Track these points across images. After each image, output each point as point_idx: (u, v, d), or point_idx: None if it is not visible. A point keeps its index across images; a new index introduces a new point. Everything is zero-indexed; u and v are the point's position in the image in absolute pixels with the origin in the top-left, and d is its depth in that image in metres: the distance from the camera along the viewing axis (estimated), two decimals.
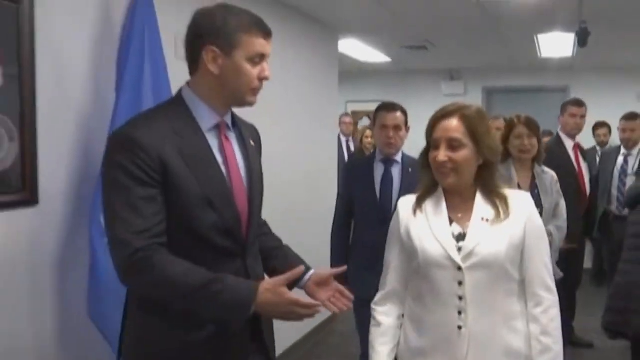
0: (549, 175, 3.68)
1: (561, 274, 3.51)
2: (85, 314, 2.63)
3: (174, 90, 2.69)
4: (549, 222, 3.49)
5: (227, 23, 1.88)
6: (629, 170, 5.33)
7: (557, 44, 6.55)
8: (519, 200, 2.19)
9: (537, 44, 6.59)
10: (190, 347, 1.88)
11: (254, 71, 1.92)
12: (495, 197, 2.16)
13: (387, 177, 3.58)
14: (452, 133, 2.12)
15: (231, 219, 1.91)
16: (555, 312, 2.12)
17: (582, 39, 5.03)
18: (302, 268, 2.04)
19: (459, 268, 2.09)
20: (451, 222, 2.16)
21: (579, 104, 5.01)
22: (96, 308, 2.62)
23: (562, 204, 3.71)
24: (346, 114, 7.69)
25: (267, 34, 1.94)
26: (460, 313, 2.11)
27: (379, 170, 3.60)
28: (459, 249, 2.11)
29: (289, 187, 4.61)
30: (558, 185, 3.70)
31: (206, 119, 1.92)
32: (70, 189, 2.67)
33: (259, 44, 1.92)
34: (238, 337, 1.95)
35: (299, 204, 4.86)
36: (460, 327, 2.11)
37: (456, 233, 2.14)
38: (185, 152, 1.82)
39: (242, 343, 1.97)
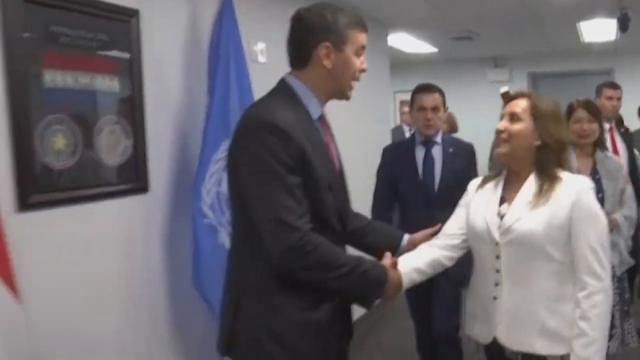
0: (613, 160, 3.50)
1: (632, 262, 3.45)
2: (190, 283, 3.05)
3: (255, 91, 3.18)
4: (614, 208, 3.34)
5: (336, 20, 2.02)
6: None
7: (599, 29, 6.60)
8: (571, 183, 2.18)
9: (579, 30, 6.69)
10: (314, 325, 1.96)
11: (357, 63, 2.08)
12: (547, 179, 2.20)
13: (428, 159, 3.54)
14: (514, 108, 2.27)
15: (344, 203, 2.10)
16: (598, 299, 2.08)
17: (624, 25, 5.21)
18: (401, 238, 2.32)
19: (497, 243, 2.20)
20: (504, 201, 2.26)
21: (614, 86, 4.98)
22: (199, 279, 3.01)
23: (629, 190, 3.47)
24: (404, 103, 7.29)
25: (366, 29, 2.10)
26: (496, 285, 2.23)
27: (420, 153, 3.56)
28: (500, 226, 2.21)
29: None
30: (624, 171, 3.55)
31: (314, 109, 2.05)
32: (172, 178, 3.11)
33: (362, 37, 2.09)
34: (345, 316, 2.12)
35: (355, 195, 5.09)
36: (495, 298, 2.23)
37: (503, 212, 2.24)
38: (311, 139, 1.93)
39: (347, 322, 2.15)
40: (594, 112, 3.32)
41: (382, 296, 2.05)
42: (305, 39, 2.02)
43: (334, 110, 4.59)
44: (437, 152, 3.55)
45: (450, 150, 3.54)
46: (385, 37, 6.22)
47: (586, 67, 8.59)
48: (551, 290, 2.15)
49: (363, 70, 2.11)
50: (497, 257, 2.21)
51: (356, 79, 2.10)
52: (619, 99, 4.95)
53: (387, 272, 2.02)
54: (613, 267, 2.97)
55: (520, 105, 2.26)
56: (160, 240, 3.04)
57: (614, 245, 3.07)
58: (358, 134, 5.24)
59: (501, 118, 2.29)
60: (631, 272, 4.05)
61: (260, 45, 3.79)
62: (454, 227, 2.38)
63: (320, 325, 1.97)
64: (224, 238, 3.08)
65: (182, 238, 3.10)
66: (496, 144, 2.29)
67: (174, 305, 3.11)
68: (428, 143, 3.55)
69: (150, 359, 3.00)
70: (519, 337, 2.20)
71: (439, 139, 3.57)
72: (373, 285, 1.99)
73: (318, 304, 1.96)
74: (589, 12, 5.70)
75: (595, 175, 3.27)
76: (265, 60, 3.80)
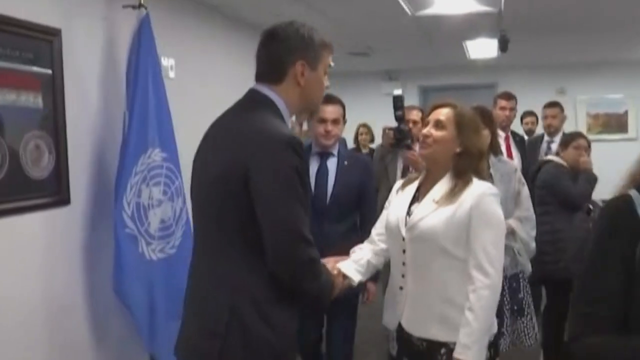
0: (506, 163, 3.58)
1: (529, 270, 3.53)
2: (111, 287, 3.18)
3: (172, 106, 3.36)
4: (508, 210, 3.32)
5: (313, 40, 2.09)
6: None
7: (482, 48, 7.05)
8: (476, 188, 2.31)
9: (465, 48, 7.14)
10: (296, 321, 2.08)
11: (325, 82, 2.17)
12: (460, 183, 2.34)
13: (322, 170, 3.48)
14: (439, 116, 2.40)
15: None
16: (484, 293, 2.21)
17: (503, 46, 5.68)
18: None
19: (403, 238, 2.37)
20: (417, 200, 2.42)
21: (508, 97, 5.20)
22: (120, 285, 3.14)
23: (525, 192, 3.56)
24: None
25: (332, 49, 2.18)
26: (402, 276, 2.41)
27: (314, 164, 3.49)
28: (407, 223, 2.37)
29: None
30: (518, 174, 3.57)
31: (288, 123, 2.14)
32: (92, 191, 3.25)
33: (330, 57, 2.16)
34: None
35: None
36: (401, 288, 2.42)
37: (413, 210, 2.40)
38: None
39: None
40: (486, 118, 3.33)
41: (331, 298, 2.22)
42: (282, 56, 2.06)
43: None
44: (332, 164, 3.52)
45: (346, 163, 3.53)
46: None
47: (471, 81, 9.07)
48: (451, 284, 2.29)
49: (327, 87, 2.20)
50: (404, 251, 2.38)
51: (323, 95, 2.21)
52: (512, 109, 5.21)
53: (332, 276, 2.21)
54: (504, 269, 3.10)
55: (445, 114, 2.40)
56: (82, 250, 3.18)
57: (506, 249, 3.09)
58: None
59: (426, 124, 2.45)
60: (541, 274, 4.17)
61: (170, 61, 3.94)
62: (379, 229, 2.58)
63: (294, 331, 2.08)
64: (144, 247, 3.26)
65: (102, 247, 3.25)
66: (420, 146, 2.44)
67: (94, 311, 3.26)
68: (324, 155, 3.52)
69: None
70: (420, 325, 2.37)
71: (335, 150, 3.55)
72: (330, 289, 2.16)
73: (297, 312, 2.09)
74: (473, 33, 6.15)
75: (489, 179, 3.33)
76: (174, 76, 3.96)
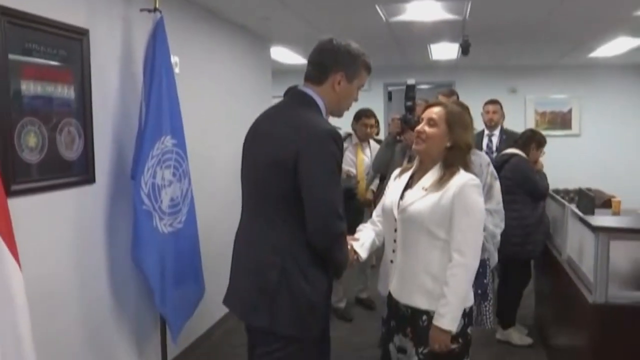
0: (480, 157, 3.61)
1: (496, 260, 3.63)
2: (129, 255, 3.49)
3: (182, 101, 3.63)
4: None
5: (356, 60, 2.35)
6: (494, 148, 5.64)
7: (445, 50, 7.38)
8: (460, 178, 2.43)
9: (429, 50, 7.44)
10: (330, 287, 2.38)
11: (355, 95, 2.43)
12: (447, 173, 2.46)
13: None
14: (432, 114, 2.52)
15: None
16: (459, 271, 2.36)
17: (465, 49, 5.92)
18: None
19: (395, 219, 2.52)
20: (409, 187, 2.56)
21: (493, 102, 5.71)
22: (137, 253, 3.44)
23: (496, 186, 3.59)
24: None
25: (370, 72, 2.43)
26: (393, 251, 2.57)
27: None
28: (399, 206, 2.52)
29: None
30: (491, 168, 3.60)
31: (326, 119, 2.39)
32: (113, 171, 3.52)
33: (366, 78, 2.42)
34: None
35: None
36: (392, 261, 2.60)
37: (405, 195, 2.53)
38: None
39: None
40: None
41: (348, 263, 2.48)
42: (328, 63, 2.32)
43: (224, 112, 5.14)
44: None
45: None
46: (269, 50, 6.75)
47: (433, 80, 9.28)
48: (433, 260, 2.43)
49: (356, 100, 2.46)
50: (395, 230, 2.55)
51: (350, 105, 2.46)
52: (495, 112, 5.64)
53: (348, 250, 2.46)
54: None
55: (437, 113, 2.52)
56: (104, 222, 3.47)
57: None
58: (245, 133, 5.63)
59: (421, 121, 2.59)
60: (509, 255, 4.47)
61: (175, 59, 4.19)
62: (379, 212, 2.77)
63: (329, 289, 2.38)
64: (157, 221, 3.54)
65: (122, 221, 3.55)
66: (415, 142, 2.56)
67: (114, 274, 3.56)
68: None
69: (93, 321, 3.43)
70: (406, 294, 2.52)
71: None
72: (347, 261, 2.44)
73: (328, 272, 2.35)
74: (438, 37, 6.47)
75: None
76: (179, 71, 4.20)
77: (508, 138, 5.54)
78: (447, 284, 2.37)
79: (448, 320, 2.37)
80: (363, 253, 2.64)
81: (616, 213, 4.73)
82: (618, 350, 3.12)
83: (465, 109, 3.32)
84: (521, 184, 4.56)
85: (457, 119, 2.53)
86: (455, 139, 2.50)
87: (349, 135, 5.45)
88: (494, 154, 5.40)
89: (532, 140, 4.82)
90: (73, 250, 3.21)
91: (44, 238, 2.98)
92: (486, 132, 5.81)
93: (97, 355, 3.42)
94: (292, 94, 2.42)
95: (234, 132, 4.84)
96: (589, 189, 5.22)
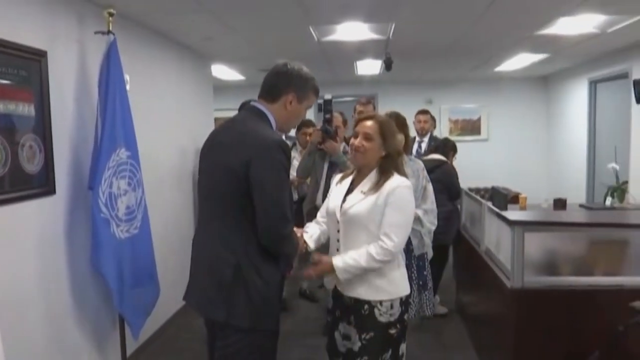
0: (417, 163, 3.68)
1: (432, 253, 3.78)
2: (88, 261, 3.46)
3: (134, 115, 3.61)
4: (417, 200, 3.51)
5: (307, 83, 2.41)
6: (422, 152, 5.84)
7: (369, 66, 7.52)
8: (393, 181, 2.52)
9: (355, 66, 7.57)
10: (279, 275, 2.38)
11: (303, 115, 2.49)
12: (383, 177, 2.54)
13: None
14: (367, 129, 2.58)
15: None
16: (378, 250, 2.45)
17: (388, 66, 6.07)
18: None
19: (338, 221, 2.60)
20: (350, 192, 2.63)
21: (423, 112, 5.94)
22: (97, 259, 3.40)
23: (430, 188, 3.68)
24: (218, 120, 7.42)
25: (318, 95, 2.48)
26: (337, 250, 2.62)
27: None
28: (341, 209, 2.59)
29: (175, 185, 5.47)
30: (425, 172, 3.69)
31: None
32: (71, 182, 3.46)
33: (314, 100, 2.48)
34: None
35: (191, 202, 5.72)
36: None
37: (347, 199, 2.60)
38: None
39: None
40: (400, 124, 3.43)
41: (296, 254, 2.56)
42: (282, 85, 2.37)
43: (172, 125, 5.12)
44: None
45: None
46: (210, 68, 6.73)
47: (358, 93, 9.26)
48: None
49: (302, 119, 2.54)
50: (338, 230, 2.62)
51: (298, 123, 2.51)
52: (426, 121, 5.86)
53: (297, 239, 2.52)
54: (412, 248, 3.50)
55: (371, 127, 2.59)
56: (65, 231, 3.41)
57: (415, 232, 3.53)
58: (190, 144, 5.67)
59: (355, 135, 2.63)
60: (442, 255, 5.05)
61: (127, 76, 4.14)
62: (323, 213, 2.82)
63: (281, 284, 2.42)
64: (115, 228, 3.50)
65: (81, 229, 3.50)
66: (354, 156, 2.63)
67: (75, 279, 3.51)
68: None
69: (57, 323, 3.37)
70: (349, 286, 2.58)
71: None
72: (297, 251, 2.52)
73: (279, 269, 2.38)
74: (363, 55, 6.60)
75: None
76: (130, 88, 4.16)
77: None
78: (362, 254, 2.46)
79: (341, 268, 2.49)
80: (311, 244, 2.70)
81: (523, 208, 4.97)
82: (534, 328, 3.28)
83: (401, 121, 3.53)
84: (449, 187, 5.03)
85: (389, 129, 2.62)
86: (388, 148, 2.59)
87: (294, 144, 5.53)
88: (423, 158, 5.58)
89: (451, 148, 5.38)
90: (36, 258, 3.15)
91: (9, 247, 2.92)
92: (417, 138, 6.03)
93: (61, 354, 3.37)
94: (247, 108, 2.45)
95: (180, 143, 4.89)
96: (501, 187, 5.45)
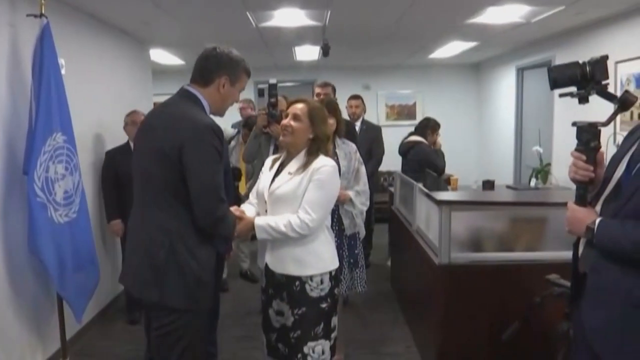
0: (349, 146, 3.68)
1: (364, 232, 3.80)
2: (26, 246, 3.41)
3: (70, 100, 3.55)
4: (350, 182, 3.60)
5: (238, 65, 2.42)
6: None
7: (307, 52, 7.58)
8: (319, 161, 2.58)
9: (293, 52, 7.60)
10: (214, 257, 2.41)
11: (236, 97, 2.50)
12: (309, 159, 2.60)
13: None
14: (296, 110, 2.63)
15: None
16: (296, 222, 2.50)
17: (325, 52, 6.10)
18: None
19: (266, 202, 2.66)
20: (279, 173, 2.67)
21: (355, 97, 5.95)
22: (33, 243, 3.37)
23: (362, 170, 3.69)
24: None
25: (249, 76, 2.50)
26: None
27: None
28: (269, 190, 2.64)
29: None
30: (358, 154, 3.70)
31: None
32: (7, 168, 3.39)
33: (246, 82, 2.50)
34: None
35: None
36: None
37: (275, 181, 2.65)
38: None
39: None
40: (331, 109, 3.45)
41: (234, 234, 2.55)
42: (214, 68, 2.38)
43: (109, 110, 5.04)
44: None
45: None
46: (148, 52, 6.63)
47: (297, 78, 9.58)
48: None
49: (236, 101, 2.53)
50: (266, 210, 2.67)
51: (231, 105, 2.53)
52: (358, 106, 5.88)
53: (235, 218, 2.51)
54: (344, 228, 3.58)
55: (301, 109, 2.65)
56: (1, 217, 3.35)
57: (347, 212, 3.60)
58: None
59: (286, 116, 2.69)
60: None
61: (62, 60, 4.06)
62: (254, 194, 2.84)
63: (217, 266, 2.45)
64: (52, 212, 3.46)
65: (17, 214, 3.44)
66: (282, 134, 2.68)
67: (12, 265, 3.45)
68: None
69: None
70: (280, 264, 2.65)
71: None
72: (233, 230, 2.50)
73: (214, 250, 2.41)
74: (301, 41, 6.63)
75: (334, 156, 3.45)
76: (65, 73, 4.08)
77: (367, 128, 5.83)
78: (286, 224, 2.51)
79: (260, 226, 2.54)
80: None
81: (454, 189, 5.17)
82: (461, 302, 3.43)
83: (334, 106, 3.57)
84: (424, 164, 5.19)
85: (318, 113, 2.68)
86: (316, 131, 2.65)
87: (238, 131, 5.56)
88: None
89: (427, 127, 5.56)
90: None
91: None
92: None
93: None
94: (179, 92, 2.45)
95: (118, 128, 4.80)
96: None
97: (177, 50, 7.22)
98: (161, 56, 7.47)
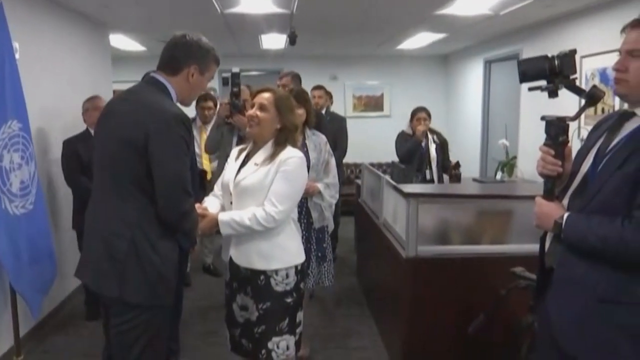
0: (319, 137, 3.67)
1: (333, 226, 3.80)
2: None
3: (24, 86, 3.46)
4: (319, 174, 3.59)
5: (208, 53, 2.37)
6: None
7: (274, 40, 7.52)
8: (286, 152, 2.57)
9: (260, 40, 7.55)
10: (177, 252, 2.36)
11: (205, 85, 2.47)
12: (277, 150, 2.58)
13: None
14: (262, 100, 2.61)
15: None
16: (262, 214, 2.50)
17: (292, 40, 6.11)
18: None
19: (231, 193, 2.64)
20: (245, 164, 2.65)
21: (318, 87, 5.90)
22: None
23: (332, 162, 3.67)
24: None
25: (219, 65, 2.44)
26: None
27: None
28: (234, 181, 2.62)
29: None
30: (328, 146, 3.67)
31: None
32: None
33: (215, 71, 2.44)
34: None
35: None
36: None
37: (241, 172, 2.63)
38: None
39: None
40: (301, 100, 3.48)
41: (199, 231, 2.54)
42: (183, 57, 2.33)
43: (66, 97, 4.93)
44: None
45: None
46: (108, 37, 6.48)
47: (263, 67, 9.53)
48: None
49: (204, 90, 2.46)
50: (231, 202, 2.66)
51: (198, 95, 2.46)
52: (321, 97, 5.84)
53: (197, 214, 2.48)
54: (312, 221, 3.57)
55: (267, 98, 2.62)
56: None
57: (315, 205, 3.59)
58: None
59: (252, 106, 2.68)
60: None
61: (15, 44, 3.95)
62: (220, 186, 2.84)
63: (179, 261, 2.41)
64: (7, 204, 3.38)
65: None
66: (249, 125, 2.67)
67: None
68: None
69: None
70: (245, 258, 2.64)
71: None
72: (196, 221, 2.45)
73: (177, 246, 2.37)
74: (268, 28, 6.59)
75: (304, 148, 3.51)
76: (19, 57, 3.96)
77: (332, 119, 5.80)
78: (252, 218, 2.50)
79: (224, 222, 2.53)
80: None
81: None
82: (427, 295, 3.47)
83: (303, 96, 3.55)
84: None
85: (285, 103, 2.65)
86: (284, 121, 2.63)
87: (194, 119, 5.46)
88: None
89: (414, 114, 5.55)
90: None
91: None
92: None
93: None
94: (145, 80, 2.40)
95: (75, 115, 4.71)
96: (400, 162, 5.66)
97: (138, 35, 7.09)
98: (122, 42, 7.34)
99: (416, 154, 5.25)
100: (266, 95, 2.65)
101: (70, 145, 4.32)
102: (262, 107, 2.63)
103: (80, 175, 4.18)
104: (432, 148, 5.40)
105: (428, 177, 5.24)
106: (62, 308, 4.80)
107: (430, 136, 5.46)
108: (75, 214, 4.38)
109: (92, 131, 4.16)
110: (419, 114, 5.48)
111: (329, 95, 6.45)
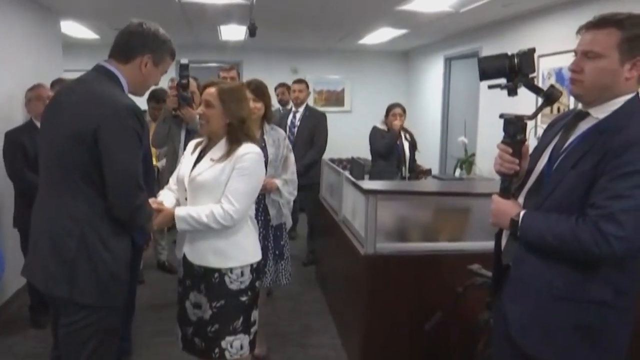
0: (277, 132, 3.63)
1: (291, 222, 3.79)
2: None
3: None
4: (277, 169, 3.58)
5: (164, 45, 2.31)
6: (297, 123, 5.77)
7: (233, 32, 7.44)
8: (242, 148, 2.54)
9: (219, 31, 7.45)
10: (129, 250, 2.31)
11: (158, 78, 2.38)
12: (233, 145, 2.56)
13: None
14: (208, 96, 2.58)
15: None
16: (220, 212, 2.48)
17: (252, 32, 6.01)
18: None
19: (186, 189, 2.62)
20: (201, 160, 2.62)
21: (299, 81, 5.87)
22: None
23: (291, 158, 3.66)
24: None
25: (174, 59, 2.40)
26: None
27: None
28: (189, 177, 2.60)
29: None
30: (287, 142, 3.66)
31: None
32: None
33: (170, 64, 2.38)
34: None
35: None
36: None
37: (196, 166, 2.61)
38: None
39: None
40: (259, 93, 3.46)
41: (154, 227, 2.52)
42: (137, 45, 2.25)
43: (9, 85, 4.79)
44: None
45: None
46: (59, 24, 6.31)
47: (222, 59, 9.36)
48: None
49: (156, 84, 2.46)
50: (186, 198, 2.64)
51: (151, 87, 2.44)
52: (301, 90, 5.82)
53: (152, 209, 2.41)
54: (270, 218, 3.55)
55: (212, 94, 2.59)
56: None
57: (274, 202, 3.57)
58: None
59: (200, 103, 2.65)
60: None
61: None
62: (175, 180, 2.80)
63: (132, 259, 2.35)
64: None
65: None
66: (200, 124, 2.67)
67: None
68: None
69: None
70: (199, 255, 2.62)
71: None
72: (150, 216, 2.38)
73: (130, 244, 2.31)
74: (227, 19, 6.52)
75: (262, 143, 3.45)
76: None
77: (311, 115, 5.81)
78: (209, 215, 2.47)
79: (181, 217, 2.49)
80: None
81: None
82: (385, 292, 3.49)
83: (261, 89, 3.49)
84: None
85: (229, 96, 2.60)
86: (231, 115, 2.58)
87: (145, 112, 5.36)
88: (295, 129, 5.74)
89: (389, 110, 5.63)
90: None
91: None
92: (293, 109, 5.96)
93: None
94: (95, 68, 2.29)
95: (20, 106, 4.59)
96: (359, 158, 5.70)
97: (91, 23, 6.93)
98: (73, 29, 7.17)
99: (393, 150, 5.30)
100: (211, 90, 2.61)
101: (14, 138, 4.10)
102: (207, 104, 2.60)
103: (26, 170, 3.97)
104: (406, 146, 5.46)
105: (403, 174, 5.30)
106: (7, 307, 4.67)
107: (402, 134, 5.50)
108: (17, 211, 4.19)
109: (37, 123, 3.99)
110: (395, 110, 5.55)
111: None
